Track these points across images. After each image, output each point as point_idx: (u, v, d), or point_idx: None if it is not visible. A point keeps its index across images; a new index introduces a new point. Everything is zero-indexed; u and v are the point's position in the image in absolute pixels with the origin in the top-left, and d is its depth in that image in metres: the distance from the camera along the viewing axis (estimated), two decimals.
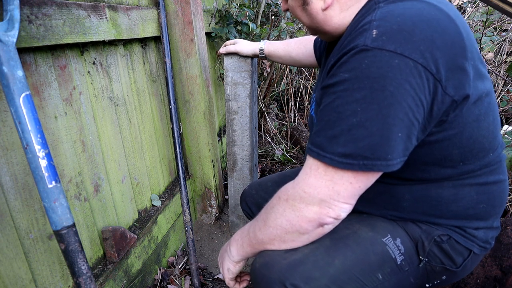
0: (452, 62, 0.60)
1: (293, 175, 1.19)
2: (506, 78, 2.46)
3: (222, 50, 1.42)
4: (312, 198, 0.66)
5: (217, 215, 1.82)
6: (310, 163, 0.67)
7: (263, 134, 2.71)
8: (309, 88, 2.92)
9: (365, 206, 0.83)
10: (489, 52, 2.75)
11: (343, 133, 0.61)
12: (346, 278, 0.72)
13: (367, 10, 0.68)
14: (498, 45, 2.85)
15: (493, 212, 0.78)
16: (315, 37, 1.24)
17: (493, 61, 2.80)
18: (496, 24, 2.98)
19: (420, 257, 0.78)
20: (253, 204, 1.19)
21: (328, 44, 0.94)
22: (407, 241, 0.78)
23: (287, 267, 0.72)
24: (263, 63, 2.53)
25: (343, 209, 0.67)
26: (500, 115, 2.46)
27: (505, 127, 2.17)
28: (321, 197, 0.66)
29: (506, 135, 1.78)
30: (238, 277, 0.92)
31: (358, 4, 0.71)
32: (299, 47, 1.29)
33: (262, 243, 0.77)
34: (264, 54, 1.35)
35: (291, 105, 2.87)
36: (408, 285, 0.79)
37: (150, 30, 1.26)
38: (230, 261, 0.85)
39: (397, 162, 0.62)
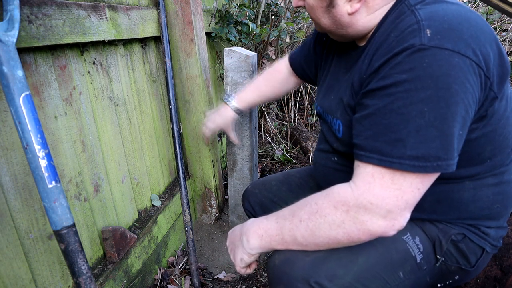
0: (495, 58, 0.62)
1: (298, 174, 1.20)
2: None
3: (206, 134, 1.34)
4: (379, 210, 0.62)
5: (217, 215, 1.82)
6: (371, 170, 0.63)
7: (263, 134, 2.71)
8: (309, 88, 2.92)
9: None
10: None
11: (411, 135, 0.59)
12: (370, 275, 0.71)
13: (400, 13, 0.66)
14: None
15: (504, 212, 0.79)
16: (281, 64, 1.21)
17: None
18: (496, 24, 2.98)
19: (438, 256, 0.77)
20: (256, 203, 1.18)
21: (331, 44, 0.92)
22: (425, 240, 0.78)
23: (310, 265, 0.70)
24: (263, 63, 2.53)
25: (407, 218, 0.65)
26: None
27: None
28: (389, 208, 0.62)
29: None
30: None
31: (385, 7, 0.70)
32: (271, 85, 1.22)
33: (303, 246, 0.72)
34: (237, 108, 1.24)
35: (291, 105, 2.87)
36: (424, 284, 0.79)
37: (150, 30, 1.26)
38: (246, 253, 0.80)
39: (456, 161, 0.62)
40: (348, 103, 0.75)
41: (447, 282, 0.82)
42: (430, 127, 0.58)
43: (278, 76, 1.21)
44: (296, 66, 1.16)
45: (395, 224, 0.63)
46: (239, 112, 1.25)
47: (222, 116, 1.27)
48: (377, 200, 0.62)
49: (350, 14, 0.71)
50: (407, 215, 0.64)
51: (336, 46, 0.90)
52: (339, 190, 0.67)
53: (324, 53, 0.99)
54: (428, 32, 0.59)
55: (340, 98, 0.80)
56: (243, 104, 1.24)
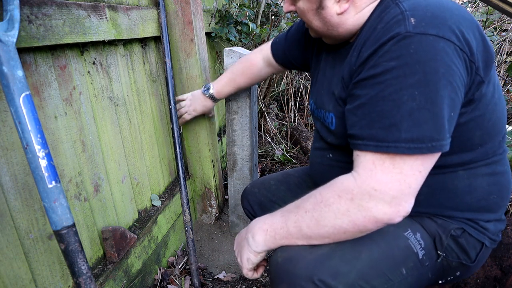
0: (478, 44, 0.64)
1: (296, 174, 1.20)
2: (506, 78, 2.46)
3: (186, 118, 1.44)
4: (383, 195, 0.63)
5: (217, 215, 1.82)
6: (371, 158, 0.64)
7: (263, 134, 2.71)
8: (309, 88, 2.92)
9: None
10: None
11: (404, 119, 0.61)
12: (373, 272, 0.71)
13: (385, 7, 0.69)
14: (498, 45, 2.85)
15: (501, 203, 0.80)
16: (256, 57, 1.24)
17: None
18: (496, 24, 2.98)
19: (439, 252, 0.78)
20: (255, 202, 1.18)
21: (321, 42, 0.92)
22: (425, 236, 0.78)
23: (314, 262, 0.70)
24: None
25: (411, 204, 0.65)
26: None
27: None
28: (393, 193, 0.62)
29: (506, 135, 1.78)
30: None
31: (371, 5, 0.72)
32: (247, 77, 1.28)
33: (309, 238, 0.72)
34: (215, 98, 1.36)
35: (291, 105, 2.87)
36: (426, 280, 0.79)
37: (150, 30, 1.26)
38: (251, 251, 0.79)
39: (449, 141, 0.63)
40: (340, 95, 0.77)
41: (449, 278, 0.83)
42: (422, 110, 0.60)
43: (254, 69, 1.27)
44: (279, 56, 1.18)
45: (400, 210, 0.64)
46: (216, 101, 1.39)
47: (203, 106, 1.40)
48: (381, 186, 0.63)
49: (339, 14, 0.73)
50: (411, 201, 0.65)
51: (326, 43, 0.91)
52: (342, 180, 0.68)
53: (314, 49, 0.99)
54: (413, 21, 0.61)
55: (332, 92, 0.81)
56: (221, 95, 1.35)
